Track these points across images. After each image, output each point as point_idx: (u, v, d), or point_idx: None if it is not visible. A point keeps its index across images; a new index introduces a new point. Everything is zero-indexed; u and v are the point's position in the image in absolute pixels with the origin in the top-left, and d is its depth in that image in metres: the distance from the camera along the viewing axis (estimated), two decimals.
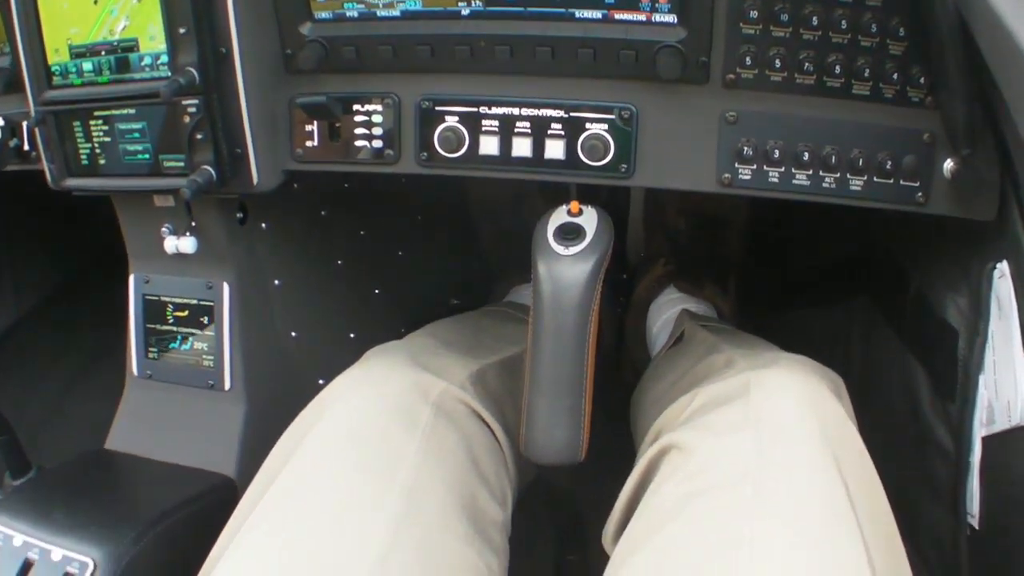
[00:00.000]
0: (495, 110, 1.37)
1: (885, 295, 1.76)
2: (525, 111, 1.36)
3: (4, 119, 1.75)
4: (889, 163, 1.26)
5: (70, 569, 1.33)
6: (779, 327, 1.81)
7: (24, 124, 1.71)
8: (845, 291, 2.03)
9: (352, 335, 2.01)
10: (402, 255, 2.28)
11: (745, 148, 1.29)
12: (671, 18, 1.26)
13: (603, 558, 1.17)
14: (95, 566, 1.32)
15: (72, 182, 1.57)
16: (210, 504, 1.53)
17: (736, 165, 1.31)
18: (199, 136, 1.43)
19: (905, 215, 1.30)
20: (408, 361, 1.32)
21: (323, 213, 1.92)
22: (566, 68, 1.31)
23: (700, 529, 1.00)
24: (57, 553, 1.35)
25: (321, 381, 1.81)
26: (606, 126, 1.33)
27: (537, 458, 1.21)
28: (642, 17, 1.27)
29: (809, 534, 0.96)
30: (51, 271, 2.89)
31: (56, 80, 1.51)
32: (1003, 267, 1.23)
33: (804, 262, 2.36)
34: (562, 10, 1.29)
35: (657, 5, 1.26)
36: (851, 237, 2.02)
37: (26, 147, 1.73)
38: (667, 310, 2.11)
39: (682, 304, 2.11)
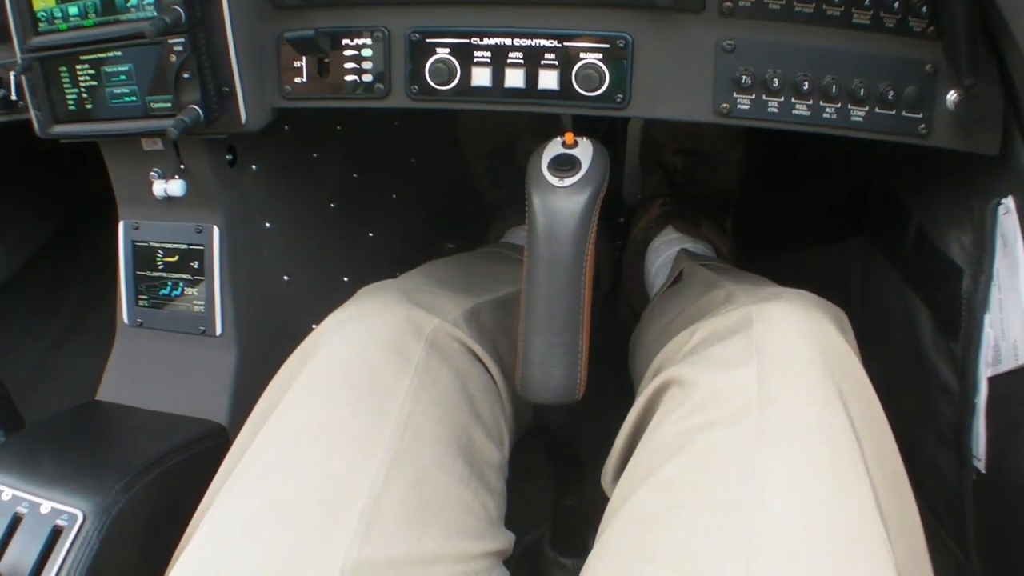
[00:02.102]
0: (487, 40, 1.36)
1: (885, 232, 1.75)
2: (517, 41, 1.35)
3: None
4: (891, 94, 1.25)
5: (59, 522, 1.32)
6: (778, 265, 1.80)
7: (11, 73, 1.70)
8: (844, 228, 2.02)
9: (346, 279, 2.01)
10: (396, 198, 2.27)
11: (743, 77, 1.28)
12: None
13: (602, 502, 1.17)
14: (84, 517, 1.32)
15: (59, 129, 1.57)
16: (201, 451, 1.53)
17: (734, 95, 1.30)
18: (186, 75, 1.42)
19: (906, 149, 1.29)
20: (400, 298, 1.31)
21: (314, 155, 1.91)
22: None
23: (703, 464, 1.01)
24: (46, 506, 1.34)
25: (314, 326, 1.77)
26: (600, 55, 1.32)
27: (533, 397, 1.20)
28: None
29: (814, 467, 0.97)
30: (39, 227, 2.88)
31: (42, 26, 1.50)
32: (1008, 203, 1.23)
33: (802, 200, 2.36)
34: None
35: None
36: (849, 173, 2.02)
37: (13, 97, 1.72)
38: (665, 251, 2.11)
39: (680, 244, 2.10)
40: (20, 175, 2.66)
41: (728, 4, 1.25)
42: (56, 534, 1.31)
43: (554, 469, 1.50)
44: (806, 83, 1.26)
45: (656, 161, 2.30)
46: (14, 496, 1.37)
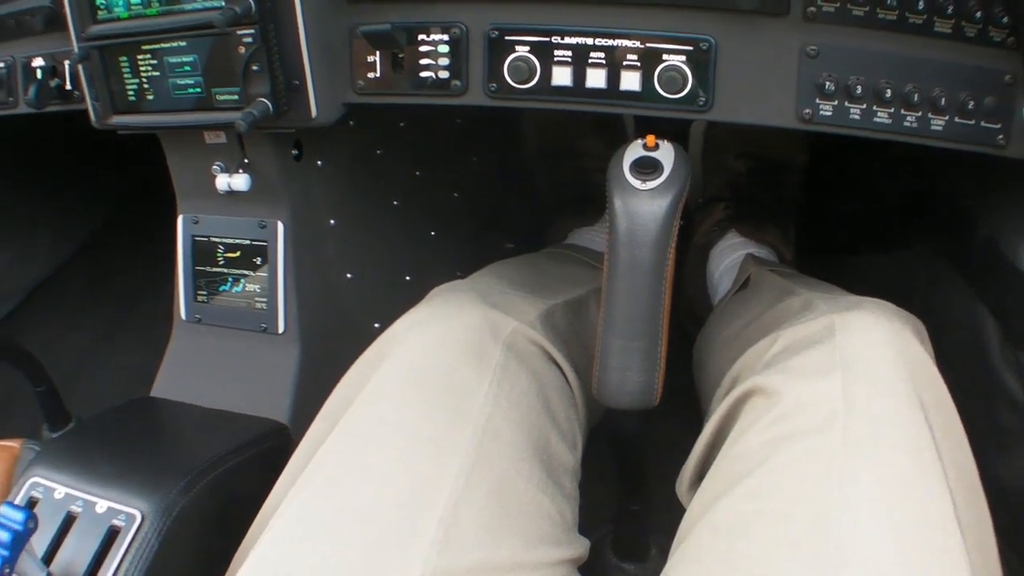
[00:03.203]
0: (568, 40, 1.34)
1: (951, 240, 1.74)
2: (599, 41, 1.33)
3: (44, 58, 1.74)
4: (971, 103, 1.23)
5: (116, 522, 1.30)
6: (840, 272, 1.79)
7: (66, 62, 1.69)
8: (908, 235, 2.01)
9: (408, 278, 1.99)
10: (457, 197, 2.25)
11: (827, 83, 1.27)
12: None
13: (666, 508, 1.16)
14: (143, 518, 1.29)
15: (118, 120, 1.55)
16: (263, 450, 1.51)
17: (817, 100, 1.29)
18: (255, 67, 1.40)
19: (973, 157, 1.28)
20: (476, 299, 1.30)
21: (379, 152, 1.89)
22: None
23: (789, 474, 1.00)
24: (102, 505, 1.32)
25: (376, 324, 1.80)
26: (683, 58, 1.30)
27: (610, 402, 1.19)
28: None
29: (899, 479, 0.96)
30: (85, 218, 2.89)
31: (101, 14, 1.48)
32: None
33: (865, 205, 2.34)
34: None
35: None
36: (913, 179, 2.00)
37: (68, 86, 1.72)
38: (729, 255, 2.10)
39: (744, 249, 2.09)
40: (67, 166, 2.67)
41: (812, 9, 1.24)
42: (112, 534, 1.29)
43: (619, 473, 1.49)
44: (888, 91, 1.25)
45: (719, 164, 2.29)
46: (67, 494, 1.35)
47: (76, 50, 1.52)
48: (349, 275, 1.79)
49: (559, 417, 1.27)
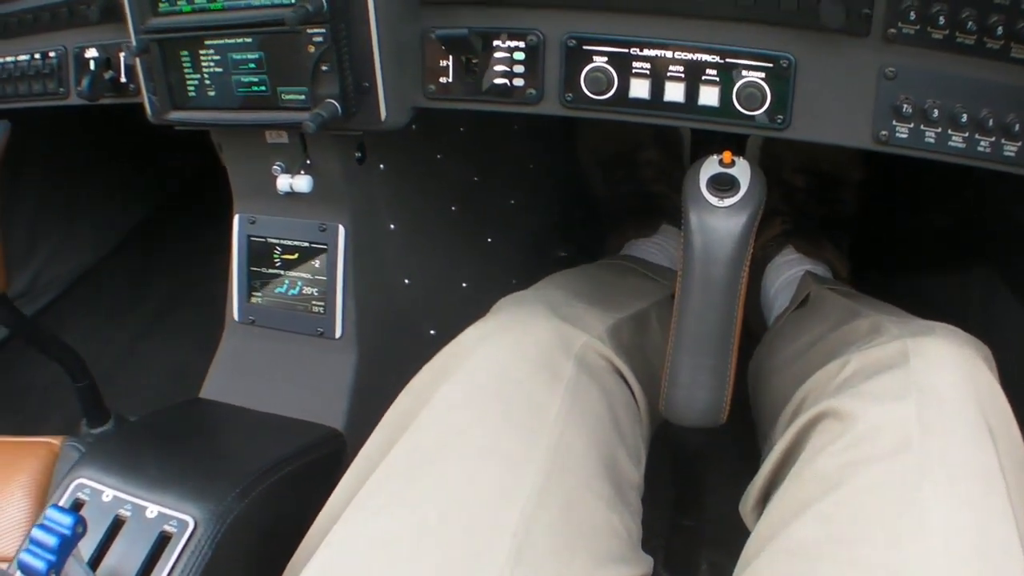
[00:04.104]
0: (647, 52, 1.33)
1: (1007, 260, 1.73)
2: (679, 54, 1.31)
3: (98, 49, 1.73)
4: None
5: (167, 528, 1.29)
6: (893, 290, 1.78)
7: (122, 55, 1.68)
8: (963, 254, 2.00)
9: (464, 285, 1.99)
10: (514, 204, 2.24)
11: (904, 106, 1.26)
12: None
13: (720, 524, 1.15)
14: (196, 525, 1.28)
15: (176, 115, 1.55)
16: (318, 458, 1.50)
17: (893, 122, 1.28)
18: (324, 68, 1.39)
19: None
20: (547, 312, 1.30)
21: (438, 157, 1.89)
22: (723, 10, 1.27)
23: (864, 499, 1.00)
24: (152, 510, 1.31)
25: (432, 332, 1.80)
26: (763, 74, 1.29)
27: (677, 419, 1.20)
28: None
29: (971, 505, 0.97)
30: (128, 212, 2.89)
31: (162, 7, 1.47)
32: None
33: (920, 224, 2.34)
34: None
35: None
36: (968, 199, 2.00)
37: (122, 79, 1.71)
38: (786, 271, 2.09)
39: (801, 265, 2.08)
40: (110, 159, 2.67)
41: (892, 30, 1.23)
42: (163, 541, 1.28)
43: (676, 488, 1.49)
44: (963, 115, 1.24)
45: (776, 178, 2.28)
46: (115, 497, 1.34)
47: (134, 43, 1.51)
48: (407, 281, 1.78)
49: (626, 433, 1.28)
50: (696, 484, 1.47)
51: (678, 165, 2.41)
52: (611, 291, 1.55)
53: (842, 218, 2.27)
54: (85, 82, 1.70)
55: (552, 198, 2.45)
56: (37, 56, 1.84)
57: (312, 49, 1.39)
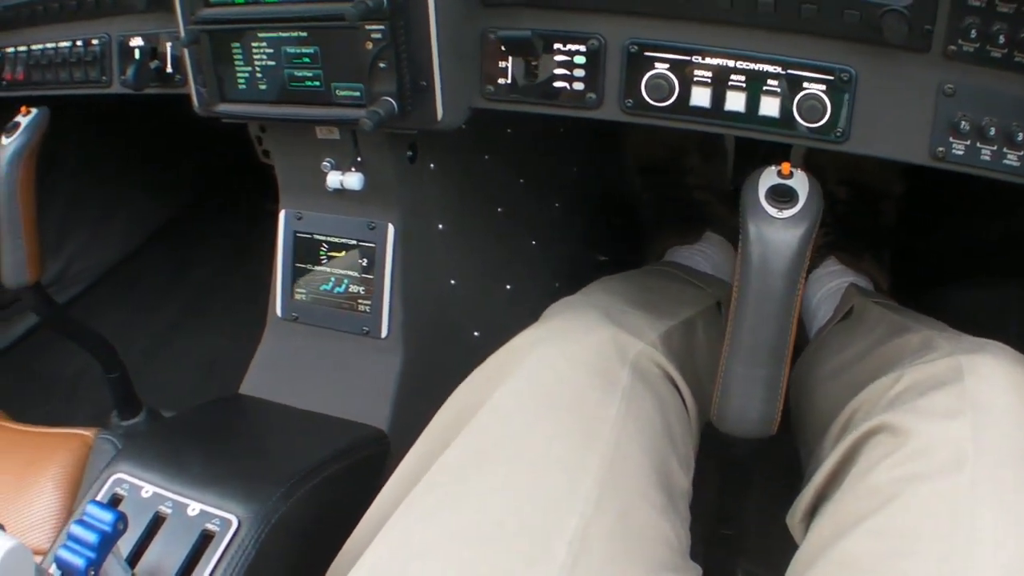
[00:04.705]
0: (708, 60, 1.33)
1: None
2: (741, 64, 1.31)
3: (144, 38, 1.73)
4: None
5: (209, 526, 1.29)
6: (932, 305, 1.79)
7: (168, 45, 1.69)
8: (1003, 271, 2.00)
9: (508, 287, 1.99)
10: (558, 207, 2.25)
11: (962, 123, 1.26)
12: None
13: (763, 536, 1.16)
14: (239, 524, 1.28)
15: (225, 107, 1.55)
16: (362, 459, 1.50)
17: (950, 139, 1.27)
18: (381, 65, 1.39)
19: None
20: (603, 318, 1.30)
21: (486, 158, 1.89)
22: (787, 22, 1.27)
23: (918, 514, 1.01)
24: (194, 508, 1.31)
25: (476, 334, 1.80)
26: (824, 87, 1.29)
27: (729, 428, 1.20)
28: None
29: (1022, 524, 0.97)
30: (162, 206, 2.89)
31: None
32: None
33: (959, 239, 2.34)
34: None
35: None
36: (1010, 214, 2.00)
37: (168, 69, 1.71)
38: (827, 282, 2.09)
39: (843, 277, 2.08)
40: (147, 151, 2.67)
41: (952, 47, 1.23)
42: (205, 540, 1.28)
43: (720, 497, 1.49)
44: (1020, 134, 1.24)
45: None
46: (155, 494, 1.34)
47: (183, 33, 1.51)
48: (453, 282, 1.79)
49: (677, 441, 1.28)
50: (738, 494, 1.47)
51: (721, 172, 2.41)
52: (660, 298, 1.55)
53: (883, 231, 2.27)
54: (130, 71, 1.70)
55: (593, 202, 2.45)
56: (79, 43, 1.85)
57: (370, 46, 1.39)
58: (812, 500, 1.24)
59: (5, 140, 1.68)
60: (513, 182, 2.03)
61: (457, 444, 1.15)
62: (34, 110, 1.71)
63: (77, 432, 1.66)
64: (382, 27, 1.37)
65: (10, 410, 1.83)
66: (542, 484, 1.06)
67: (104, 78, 1.82)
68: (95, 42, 1.81)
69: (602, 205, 2.50)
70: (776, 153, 2.23)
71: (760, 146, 1.46)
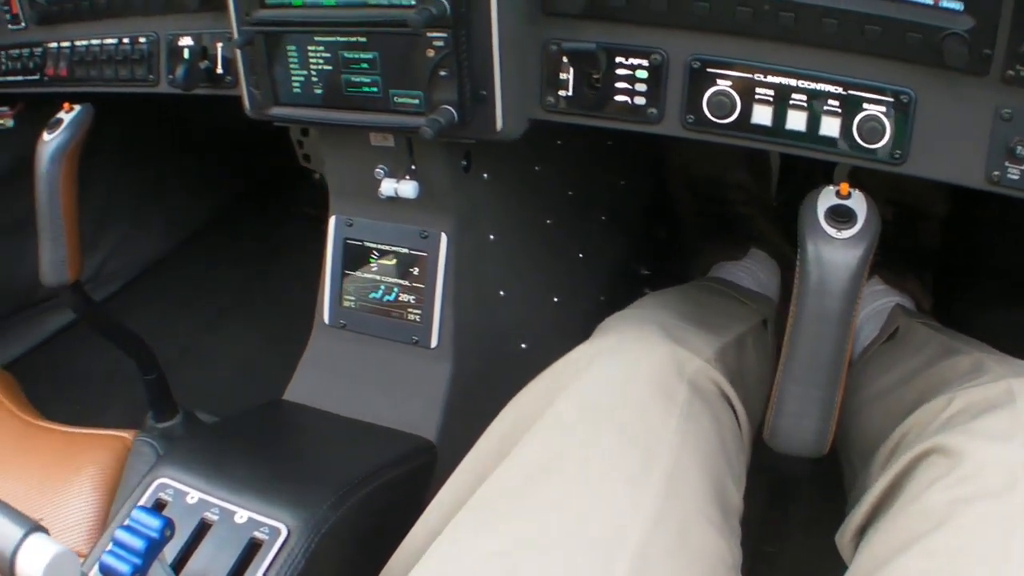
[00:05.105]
0: (771, 78, 1.33)
1: None
2: (802, 83, 1.32)
3: (194, 38, 1.74)
4: None
5: (258, 534, 1.28)
6: (972, 327, 1.79)
7: (219, 45, 1.69)
8: None
9: (556, 299, 1.98)
10: (605, 219, 2.25)
11: (1018, 147, 1.26)
12: (957, 5, 1.22)
13: (805, 554, 1.16)
14: (289, 533, 1.28)
15: (278, 111, 1.55)
16: (411, 469, 1.50)
17: (1006, 163, 1.28)
18: (442, 73, 1.40)
19: None
20: (660, 333, 1.31)
21: (537, 169, 1.89)
22: (849, 43, 1.27)
23: (970, 536, 1.02)
24: (242, 515, 1.31)
25: (524, 345, 1.81)
26: (884, 108, 1.29)
27: (782, 447, 1.19)
28: (929, 0, 1.24)
29: None
30: (200, 207, 2.90)
31: None
32: None
33: (1003, 262, 2.34)
34: None
35: None
36: None
37: (219, 70, 1.72)
38: (871, 302, 2.09)
39: (887, 297, 2.09)
40: (186, 152, 2.67)
41: (1011, 72, 1.23)
42: (253, 548, 1.28)
43: (762, 513, 1.49)
44: None
45: None
46: (201, 500, 1.34)
47: (237, 34, 1.51)
48: (502, 293, 1.79)
49: (732, 458, 1.29)
50: (783, 512, 1.47)
51: (766, 188, 2.42)
52: (711, 314, 1.55)
53: (926, 251, 2.28)
54: (180, 71, 1.71)
55: (637, 215, 2.46)
56: (125, 40, 1.85)
57: (432, 53, 1.39)
58: (863, 520, 1.25)
59: (47, 136, 1.67)
60: (562, 193, 2.04)
61: (515, 456, 1.16)
62: (77, 107, 1.70)
63: (115, 434, 1.66)
64: (445, 35, 1.37)
65: (41, 408, 1.83)
66: (604, 498, 1.07)
67: (151, 77, 1.83)
68: (142, 40, 1.81)
69: (646, 218, 2.51)
70: (817, 170, 2.24)
71: (803, 163, 1.46)
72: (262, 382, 1.87)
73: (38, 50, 2.03)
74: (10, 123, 2.31)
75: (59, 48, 1.98)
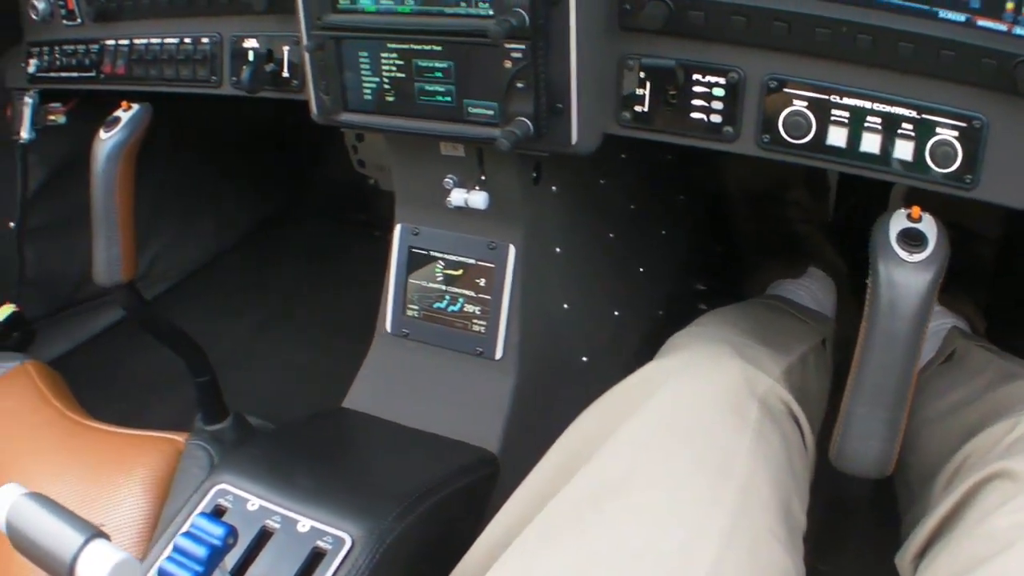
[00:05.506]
0: (846, 100, 1.34)
1: None
2: (877, 106, 1.32)
3: (259, 40, 1.75)
4: None
5: (321, 544, 1.28)
6: (1017, 352, 1.80)
7: (285, 49, 1.70)
8: None
9: (616, 313, 1.99)
10: (664, 234, 2.26)
11: None
12: None
13: (861, 572, 1.17)
14: (353, 543, 1.27)
15: (348, 117, 1.56)
16: (474, 482, 1.50)
17: None
18: (519, 85, 1.40)
19: None
20: (731, 352, 1.33)
21: (601, 182, 1.90)
22: (925, 66, 1.28)
23: None
24: (304, 524, 1.30)
25: (584, 359, 1.81)
26: (957, 133, 1.30)
27: (847, 467, 1.20)
28: (1003, 27, 1.23)
29: None
30: (251, 208, 2.90)
31: (342, 3, 1.48)
32: None
33: None
34: (927, 7, 1.25)
35: (1019, 18, 1.23)
36: None
37: (285, 73, 1.73)
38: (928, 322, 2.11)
39: (943, 318, 2.09)
40: (238, 152, 2.67)
41: None
42: (315, 558, 1.28)
43: (821, 532, 1.50)
44: None
45: None
46: (262, 507, 1.34)
47: (306, 38, 1.52)
48: (566, 306, 1.79)
49: (799, 477, 1.30)
50: (841, 531, 1.48)
51: (824, 206, 2.43)
52: (775, 333, 1.56)
53: (981, 274, 2.28)
54: (246, 73, 1.72)
55: (696, 230, 2.47)
56: (187, 40, 1.86)
57: (509, 65, 1.40)
58: (924, 542, 1.26)
59: (104, 135, 1.68)
60: (624, 207, 2.05)
61: (586, 472, 1.17)
62: (135, 106, 1.71)
63: (167, 436, 1.66)
64: (523, 47, 1.38)
65: (85, 407, 1.83)
66: (677, 515, 1.08)
67: (214, 78, 1.84)
68: (205, 40, 1.83)
69: (704, 233, 2.51)
70: (872, 189, 2.25)
71: (859, 182, 1.47)
72: (310, 388, 1.88)
73: (94, 47, 2.05)
74: (62, 119, 2.33)
75: (117, 46, 2.00)
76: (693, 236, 2.45)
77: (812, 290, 2.16)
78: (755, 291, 2.21)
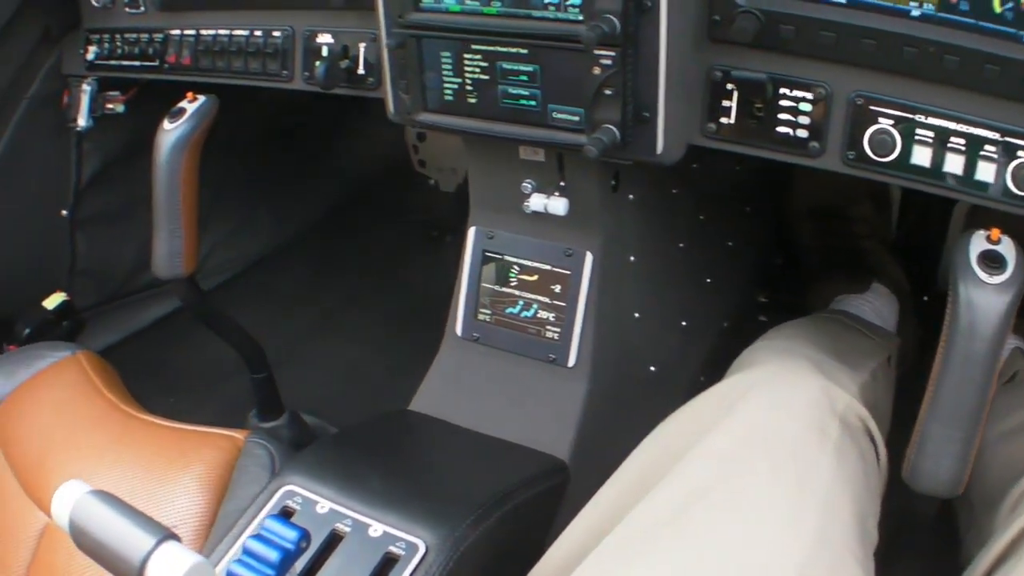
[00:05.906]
0: (931, 120, 1.34)
1: None
2: (961, 127, 1.33)
3: (334, 36, 1.76)
4: None
5: (393, 549, 1.27)
6: None
7: (362, 46, 1.70)
8: None
9: (684, 323, 2.00)
10: (731, 245, 2.27)
11: None
12: None
13: None
14: (427, 550, 1.27)
15: (427, 117, 1.57)
16: (545, 489, 1.50)
17: None
18: (607, 92, 1.41)
19: None
20: (812, 368, 1.34)
21: (674, 191, 1.91)
22: (1009, 89, 1.29)
23: None
24: (376, 528, 1.30)
25: (652, 368, 1.82)
26: None
27: (919, 486, 1.22)
28: None
29: None
30: (309, 205, 2.90)
31: (426, 2, 1.48)
32: None
33: None
34: (1013, 30, 1.26)
35: None
36: None
37: (360, 71, 1.73)
38: None
39: (1008, 339, 2.11)
40: (299, 148, 2.67)
41: None
42: (387, 563, 1.27)
43: (887, 548, 1.51)
44: None
45: None
46: (332, 510, 1.34)
47: (386, 36, 1.52)
48: (637, 315, 1.80)
49: (873, 493, 1.31)
50: (908, 546, 1.49)
51: (887, 222, 2.43)
52: (847, 349, 1.57)
53: None
54: (320, 69, 1.73)
55: (760, 243, 2.48)
56: (258, 33, 1.87)
57: (598, 71, 1.40)
58: (992, 563, 1.27)
59: (168, 125, 1.69)
60: (694, 217, 2.06)
61: (666, 485, 1.18)
62: (201, 97, 1.72)
63: (225, 433, 1.66)
64: (613, 53, 1.38)
65: (138, 399, 1.83)
66: (761, 532, 1.09)
67: (285, 72, 1.85)
68: (276, 34, 1.83)
69: (767, 245, 2.53)
70: (935, 207, 2.26)
71: (918, 197, 1.47)
72: (363, 388, 1.87)
73: (159, 36, 2.06)
74: (121, 108, 2.33)
75: (182, 36, 2.01)
76: (757, 248, 2.46)
77: (876, 306, 2.16)
78: (818, 305, 2.22)
